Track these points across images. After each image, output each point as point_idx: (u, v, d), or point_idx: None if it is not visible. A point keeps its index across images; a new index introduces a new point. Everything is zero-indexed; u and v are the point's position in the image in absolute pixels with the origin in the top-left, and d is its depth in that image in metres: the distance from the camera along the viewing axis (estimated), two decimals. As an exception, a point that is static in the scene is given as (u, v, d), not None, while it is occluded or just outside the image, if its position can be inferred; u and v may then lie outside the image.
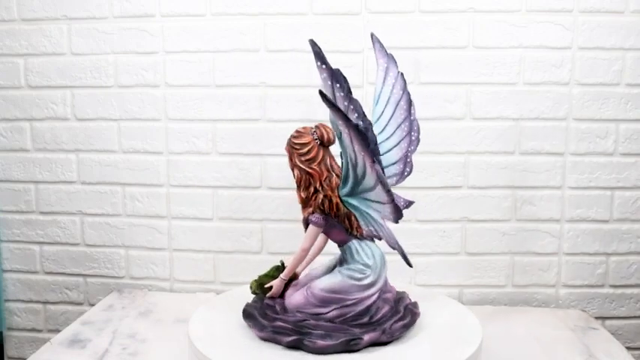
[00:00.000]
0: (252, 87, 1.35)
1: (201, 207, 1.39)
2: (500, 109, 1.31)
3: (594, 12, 1.28)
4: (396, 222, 0.83)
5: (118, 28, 1.36)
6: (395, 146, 0.99)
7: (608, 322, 1.36)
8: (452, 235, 1.35)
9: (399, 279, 1.28)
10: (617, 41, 1.28)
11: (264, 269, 0.99)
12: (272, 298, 0.96)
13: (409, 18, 1.31)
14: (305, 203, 0.92)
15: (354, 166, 0.84)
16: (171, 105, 1.37)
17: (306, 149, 0.91)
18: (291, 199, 1.35)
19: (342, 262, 0.95)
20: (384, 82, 0.99)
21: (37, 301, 1.48)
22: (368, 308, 0.92)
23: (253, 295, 0.99)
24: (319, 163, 0.91)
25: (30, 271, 1.47)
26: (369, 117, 0.90)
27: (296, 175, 0.92)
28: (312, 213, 0.91)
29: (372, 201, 0.85)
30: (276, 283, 0.95)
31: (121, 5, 1.35)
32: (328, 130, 0.91)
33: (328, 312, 0.91)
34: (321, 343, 0.87)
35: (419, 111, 1.01)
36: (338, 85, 0.80)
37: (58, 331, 1.33)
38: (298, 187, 0.92)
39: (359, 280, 0.91)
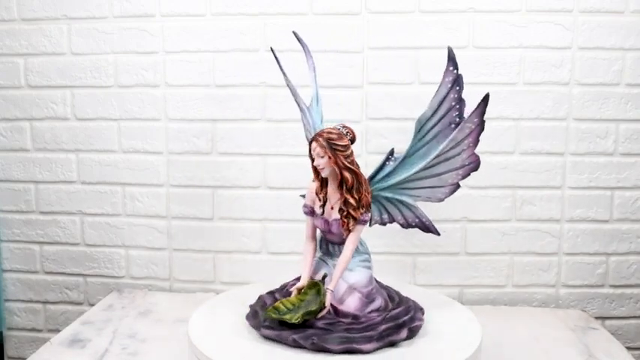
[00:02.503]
0: (252, 87, 1.35)
1: (201, 207, 1.39)
2: (500, 109, 1.31)
3: (594, 12, 1.28)
4: (442, 200, 0.97)
5: (118, 28, 1.36)
6: None
7: (608, 322, 1.36)
8: (452, 235, 1.35)
9: (399, 279, 1.28)
10: (617, 41, 1.28)
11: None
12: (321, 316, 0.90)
13: (409, 18, 1.30)
14: (358, 204, 0.90)
15: (437, 156, 0.91)
16: (171, 105, 1.37)
17: (349, 151, 0.90)
18: (291, 199, 1.36)
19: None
20: (315, 81, 1.03)
21: (37, 301, 1.48)
22: (386, 290, 0.98)
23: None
24: (356, 164, 0.91)
25: (30, 270, 1.47)
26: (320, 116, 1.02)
27: (348, 178, 0.89)
28: (364, 213, 0.91)
29: (417, 188, 0.95)
30: (329, 298, 0.90)
31: (121, 5, 1.35)
32: (353, 129, 0.93)
33: (380, 303, 0.93)
34: (418, 323, 0.91)
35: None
36: (458, 87, 0.91)
37: (58, 331, 1.33)
38: (349, 189, 0.90)
39: (369, 268, 0.95)
